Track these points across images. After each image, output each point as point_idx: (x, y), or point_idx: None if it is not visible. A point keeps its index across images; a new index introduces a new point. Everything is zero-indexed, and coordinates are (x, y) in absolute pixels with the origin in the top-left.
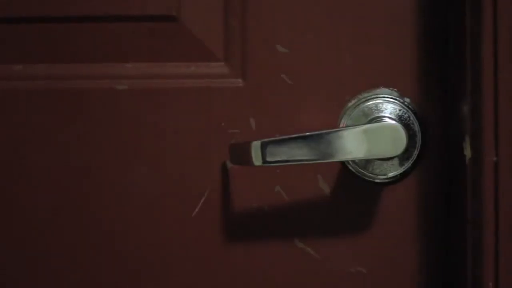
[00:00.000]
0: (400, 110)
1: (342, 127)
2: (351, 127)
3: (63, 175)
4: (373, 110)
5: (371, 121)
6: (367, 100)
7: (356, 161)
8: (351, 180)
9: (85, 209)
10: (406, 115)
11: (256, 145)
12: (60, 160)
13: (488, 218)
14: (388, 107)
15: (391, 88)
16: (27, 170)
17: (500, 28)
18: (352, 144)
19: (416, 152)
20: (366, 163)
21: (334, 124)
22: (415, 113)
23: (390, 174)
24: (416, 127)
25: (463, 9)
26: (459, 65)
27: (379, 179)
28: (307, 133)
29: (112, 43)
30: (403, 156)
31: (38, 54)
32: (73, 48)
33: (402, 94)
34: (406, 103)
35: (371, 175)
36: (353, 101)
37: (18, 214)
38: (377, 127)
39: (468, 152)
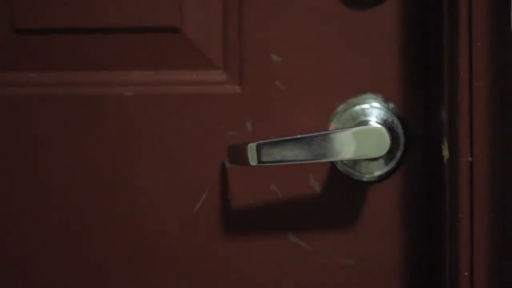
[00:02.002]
0: (384, 114)
1: (332, 130)
2: (340, 130)
3: (75, 175)
4: (360, 115)
5: (358, 124)
6: (355, 105)
7: (345, 161)
8: (340, 178)
9: (94, 206)
10: (390, 119)
11: (252, 147)
12: (72, 161)
13: (464, 213)
14: (373, 112)
15: (376, 94)
16: (41, 171)
17: (475, 42)
18: (340, 145)
19: (399, 153)
20: (354, 163)
21: (324, 127)
22: (398, 117)
23: (376, 173)
24: (399, 130)
25: (442, 24)
26: (439, 74)
27: (366, 178)
28: (299, 136)
29: (120, 53)
30: (388, 157)
31: (52, 62)
32: (84, 57)
33: (386, 100)
34: (390, 108)
35: (358, 174)
36: (341, 106)
37: (33, 212)
38: (363, 130)
39: (446, 153)
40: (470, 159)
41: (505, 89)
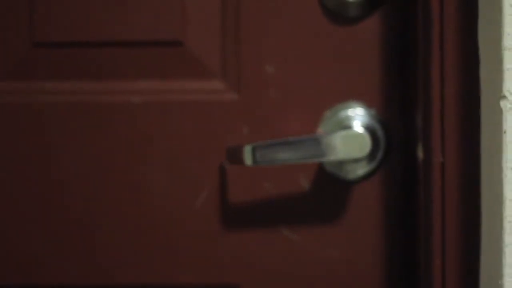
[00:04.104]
0: (367, 120)
1: (320, 133)
2: (327, 134)
3: (85, 175)
4: (345, 120)
5: (343, 129)
6: (340, 112)
7: (331, 162)
8: (327, 177)
9: (104, 203)
10: (372, 124)
11: (248, 148)
12: (83, 161)
13: (436, 208)
14: (357, 117)
15: (360, 102)
16: (55, 172)
17: (446, 55)
18: (327, 148)
19: (380, 155)
20: (339, 163)
21: (313, 131)
22: (379, 122)
23: (359, 173)
24: (380, 134)
25: (417, 39)
26: (415, 84)
27: (350, 177)
28: (291, 139)
29: (129, 64)
30: (370, 158)
31: (67, 72)
32: (96, 67)
33: (369, 107)
34: (372, 114)
35: (343, 173)
36: (329, 112)
37: (49, 209)
38: (348, 134)
39: (420, 154)
40: (442, 160)
41: (472, 97)
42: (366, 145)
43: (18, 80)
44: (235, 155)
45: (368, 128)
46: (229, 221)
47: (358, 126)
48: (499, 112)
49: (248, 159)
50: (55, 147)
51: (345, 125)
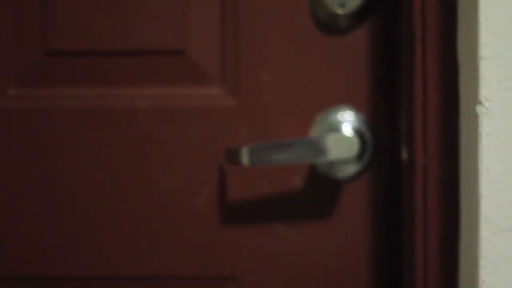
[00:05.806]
0: (356, 123)
1: (312, 136)
2: (319, 136)
3: (95, 174)
4: (335, 123)
5: (333, 131)
6: (331, 115)
7: (323, 162)
8: (319, 177)
9: (111, 201)
10: (360, 127)
11: (245, 150)
12: (93, 161)
13: (419, 205)
14: (347, 121)
15: (349, 107)
16: (66, 172)
17: (428, 64)
18: (319, 149)
19: (368, 156)
20: (330, 164)
21: (306, 133)
22: (367, 126)
23: (349, 173)
24: (368, 136)
25: (401, 48)
26: (399, 89)
27: (340, 176)
28: (285, 141)
29: (134, 71)
30: (358, 159)
31: (77, 79)
32: (103, 74)
33: (358, 111)
34: (361, 118)
35: (334, 173)
36: (320, 116)
37: (59, 207)
38: (338, 136)
39: (404, 156)
40: (424, 160)
41: (452, 103)
42: (354, 147)
43: (31, 87)
44: (233, 156)
45: (357, 131)
46: (228, 217)
47: (347, 129)
48: (475, 117)
49: (245, 160)
50: (65, 149)
51: (336, 128)
